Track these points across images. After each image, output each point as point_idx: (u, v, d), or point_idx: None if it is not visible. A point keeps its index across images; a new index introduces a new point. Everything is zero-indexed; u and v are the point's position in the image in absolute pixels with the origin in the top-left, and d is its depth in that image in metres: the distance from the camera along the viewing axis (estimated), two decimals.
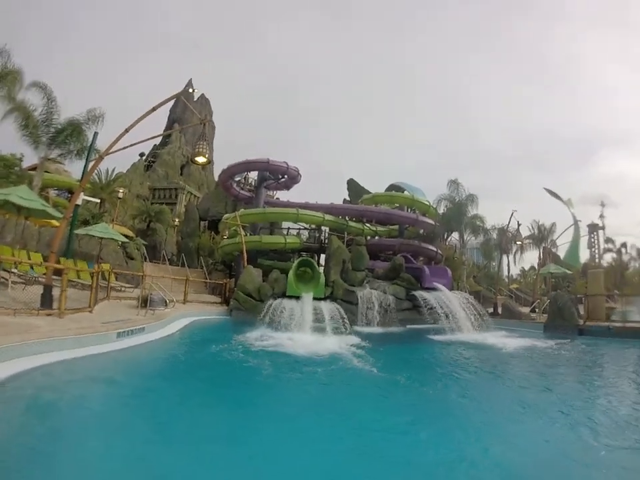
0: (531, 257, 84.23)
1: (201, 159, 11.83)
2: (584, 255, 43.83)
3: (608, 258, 45.74)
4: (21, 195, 12.63)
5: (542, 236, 36.59)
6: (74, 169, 33.32)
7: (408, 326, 17.93)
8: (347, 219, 28.20)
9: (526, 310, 24.98)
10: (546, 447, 4.93)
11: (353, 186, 39.79)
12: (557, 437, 5.26)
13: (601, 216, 46.24)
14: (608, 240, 46.90)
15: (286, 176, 27.91)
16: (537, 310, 24.41)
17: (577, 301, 20.56)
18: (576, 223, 37.40)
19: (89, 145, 20.33)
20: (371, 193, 33.39)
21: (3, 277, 9.89)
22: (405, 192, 32.05)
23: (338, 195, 52.54)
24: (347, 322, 15.48)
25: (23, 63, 19.53)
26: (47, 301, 9.79)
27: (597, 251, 46.67)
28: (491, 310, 22.81)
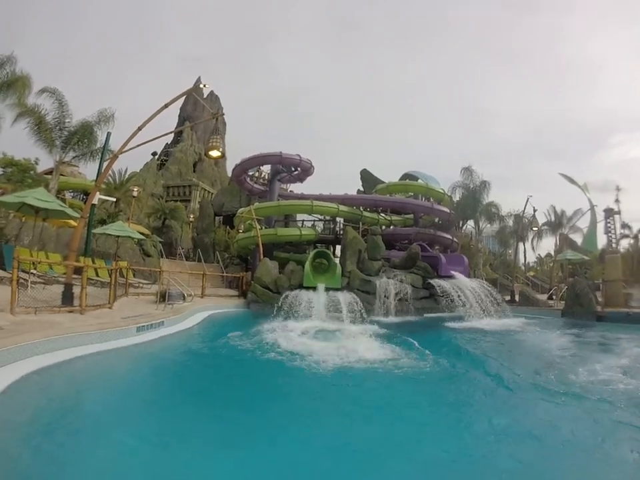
0: (548, 244, 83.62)
1: (215, 153, 11.85)
2: (601, 241, 42.77)
3: (624, 244, 44.64)
4: (38, 197, 12.76)
5: (559, 222, 36.07)
6: (88, 171, 33.89)
7: (425, 315, 17.86)
8: (361, 209, 28.10)
9: (543, 297, 24.72)
10: None
11: (366, 176, 39.51)
12: None
13: (617, 200, 44.92)
14: (624, 225, 45.61)
15: (299, 168, 27.86)
16: (554, 297, 24.12)
17: (594, 287, 20.23)
18: (592, 208, 36.81)
19: (101, 145, 20.66)
20: (384, 182, 33.17)
21: (22, 278, 10.03)
22: (419, 180, 31.83)
23: (351, 188, 52.28)
24: (364, 312, 15.48)
25: (29, 64, 19.90)
26: (67, 298, 9.90)
27: (613, 236, 45.40)
28: (508, 297, 22.62)
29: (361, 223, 26.03)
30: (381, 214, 29.30)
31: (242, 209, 28.14)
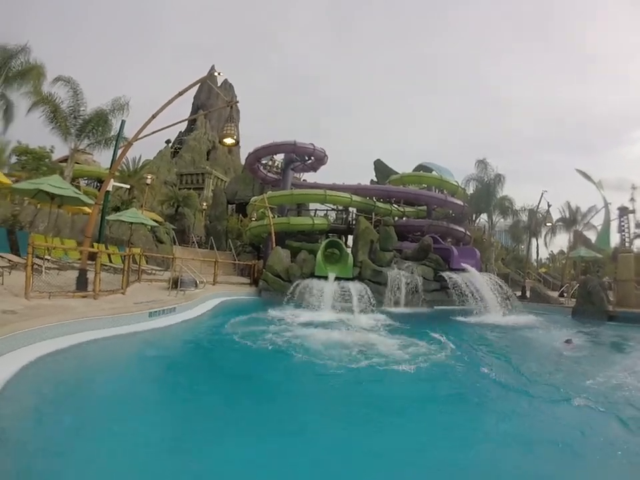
0: (561, 241, 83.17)
1: (229, 140, 11.83)
2: (614, 239, 41.97)
3: (638, 243, 43.87)
4: (54, 184, 12.92)
5: (573, 219, 35.50)
6: (102, 159, 34.27)
7: (435, 307, 17.82)
8: (374, 199, 27.95)
9: (554, 294, 24.46)
10: None
11: (380, 166, 39.30)
12: None
13: (632, 199, 44.00)
14: (638, 225, 44.66)
15: (312, 157, 27.75)
16: (565, 294, 23.85)
17: (606, 286, 19.93)
18: (606, 205, 36.17)
19: (115, 133, 20.86)
20: (398, 173, 32.94)
21: (37, 264, 10.17)
22: (433, 172, 31.57)
23: (364, 178, 51.97)
24: (375, 302, 15.50)
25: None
26: (81, 284, 10.02)
27: (627, 235, 44.61)
28: (519, 293, 22.41)
29: (373, 214, 25.89)
30: (394, 205, 29.13)
31: (255, 197, 28.17)
